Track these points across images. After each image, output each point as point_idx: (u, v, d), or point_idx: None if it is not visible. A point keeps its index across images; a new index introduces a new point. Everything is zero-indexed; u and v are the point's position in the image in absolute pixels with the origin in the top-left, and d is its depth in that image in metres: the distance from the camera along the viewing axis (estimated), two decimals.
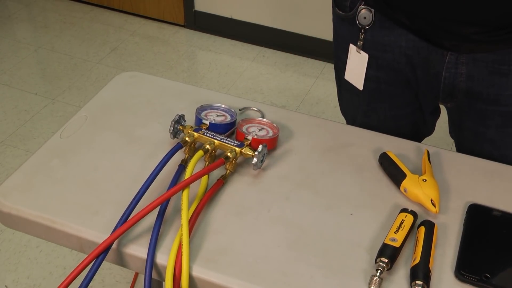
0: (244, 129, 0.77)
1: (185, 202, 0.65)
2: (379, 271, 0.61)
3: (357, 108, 0.93)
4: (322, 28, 2.34)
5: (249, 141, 0.75)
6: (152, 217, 0.66)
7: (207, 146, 0.73)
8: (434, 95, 0.85)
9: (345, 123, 0.98)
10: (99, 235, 0.65)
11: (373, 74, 0.82)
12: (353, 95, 0.93)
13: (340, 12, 0.85)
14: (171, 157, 0.72)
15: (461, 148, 0.91)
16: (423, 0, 0.73)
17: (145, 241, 0.64)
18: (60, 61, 2.38)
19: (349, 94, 0.94)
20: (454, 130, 0.92)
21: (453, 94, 0.83)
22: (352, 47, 0.84)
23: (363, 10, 0.80)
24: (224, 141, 0.74)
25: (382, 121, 0.92)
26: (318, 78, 2.31)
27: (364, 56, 0.79)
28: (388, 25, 0.80)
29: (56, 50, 2.44)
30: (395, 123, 0.92)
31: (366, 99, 0.91)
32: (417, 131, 0.95)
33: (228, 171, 0.73)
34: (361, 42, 0.81)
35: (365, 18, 0.80)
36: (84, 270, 0.61)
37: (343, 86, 0.95)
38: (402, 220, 0.66)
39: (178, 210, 0.68)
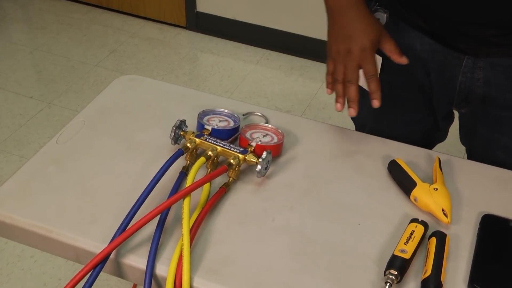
0: (247, 135, 0.78)
1: (186, 210, 0.65)
2: (388, 283, 0.60)
3: (368, 113, 0.94)
4: None
5: (253, 148, 0.75)
6: (152, 226, 0.66)
7: (209, 153, 0.73)
8: (448, 100, 0.85)
9: (354, 128, 0.98)
10: (97, 245, 0.65)
11: (385, 78, 0.82)
12: (367, 100, 0.93)
13: None
14: (171, 164, 0.72)
15: (472, 155, 0.91)
16: (440, 2, 0.73)
17: (145, 251, 0.64)
18: (56, 63, 2.39)
19: (361, 98, 0.94)
20: (466, 136, 0.92)
21: (469, 99, 0.83)
22: None
23: (377, 12, 0.80)
24: (227, 147, 0.74)
25: (393, 126, 0.92)
26: (324, 82, 2.31)
27: (377, 59, 0.79)
28: (403, 27, 0.81)
29: (52, 52, 2.45)
30: (407, 129, 0.92)
31: (386, 104, 0.90)
32: (429, 137, 0.95)
33: (231, 178, 0.73)
34: None
35: (378, 19, 0.80)
36: (80, 282, 0.61)
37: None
38: (412, 230, 0.66)
39: (178, 219, 0.68)
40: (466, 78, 0.81)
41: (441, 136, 0.97)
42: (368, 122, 0.94)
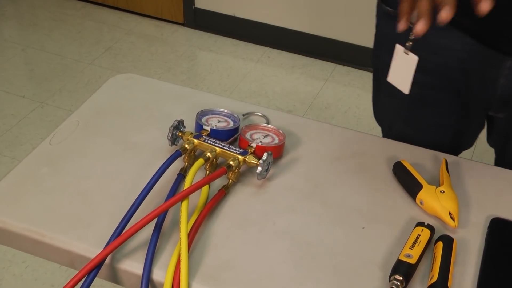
0: (247, 135, 0.78)
1: (184, 214, 0.65)
2: None
3: (397, 114, 0.92)
4: (332, 27, 2.34)
5: (253, 149, 0.75)
6: (148, 230, 0.66)
7: (208, 154, 0.73)
8: (486, 104, 0.84)
9: (354, 129, 0.98)
10: (91, 250, 0.65)
11: (419, 78, 0.78)
12: (393, 100, 0.91)
13: (388, 8, 0.83)
14: (169, 166, 0.72)
15: (502, 160, 0.89)
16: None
17: (141, 256, 0.64)
18: (49, 61, 2.39)
19: (389, 98, 0.92)
20: (499, 140, 0.90)
21: (509, 103, 0.82)
22: (399, 48, 0.80)
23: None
24: (226, 148, 0.75)
25: (422, 129, 0.90)
26: (327, 80, 2.32)
27: (413, 58, 0.76)
28: (443, 25, 0.78)
29: (45, 49, 2.45)
30: (436, 133, 0.90)
31: (408, 105, 0.89)
32: (458, 143, 0.93)
33: (230, 180, 0.73)
34: (411, 43, 0.77)
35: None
36: None
37: (382, 89, 0.93)
38: (418, 234, 0.66)
39: (176, 223, 0.68)
40: (508, 81, 0.79)
41: (469, 142, 0.95)
42: (396, 125, 0.93)
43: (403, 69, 0.82)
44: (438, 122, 0.90)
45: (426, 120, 0.90)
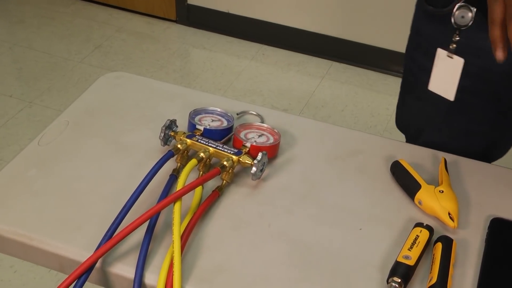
0: (242, 135, 0.78)
1: (177, 216, 0.65)
2: None
3: (429, 119, 0.89)
4: (328, 23, 2.35)
5: (247, 149, 0.75)
6: (140, 233, 0.66)
7: (201, 154, 0.73)
8: None
9: (354, 128, 0.98)
10: (81, 253, 0.65)
11: (459, 82, 0.75)
12: (426, 105, 0.88)
13: (431, 8, 0.81)
14: (161, 166, 0.72)
15: None
16: None
17: (133, 260, 0.64)
18: (38, 60, 2.38)
19: (421, 103, 0.90)
20: None
21: None
22: (441, 52, 0.77)
23: (462, 8, 0.72)
24: (220, 148, 0.75)
25: (455, 137, 0.88)
26: (323, 78, 2.32)
27: (458, 61, 0.73)
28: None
29: (33, 47, 2.45)
30: (468, 140, 0.88)
31: (444, 110, 0.87)
32: (491, 151, 0.91)
33: (224, 181, 0.73)
34: (454, 45, 0.74)
35: (463, 17, 0.72)
36: None
37: (412, 93, 0.91)
38: (417, 235, 0.66)
39: (169, 225, 0.68)
40: None
41: (502, 151, 0.93)
42: (426, 132, 0.91)
43: (447, 74, 0.77)
44: (472, 129, 0.87)
45: (461, 127, 0.87)
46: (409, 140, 0.96)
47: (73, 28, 2.57)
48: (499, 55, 0.67)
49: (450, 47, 0.74)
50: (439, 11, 0.80)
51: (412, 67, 0.90)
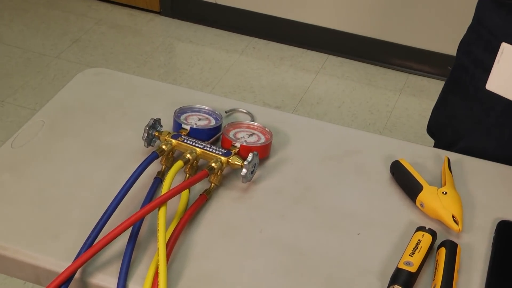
0: (231, 135, 0.78)
1: (162, 222, 0.65)
2: None
3: (476, 123, 0.86)
4: (322, 14, 2.35)
5: (237, 149, 0.75)
6: (122, 241, 0.66)
7: (188, 156, 0.73)
8: None
9: (352, 126, 0.98)
10: (59, 263, 0.65)
11: None
12: (476, 106, 0.83)
13: None
14: (145, 169, 0.72)
15: None
16: None
17: (115, 269, 0.64)
18: (10, 55, 2.37)
19: (469, 103, 0.86)
20: None
21: None
22: (506, 47, 0.74)
23: None
24: (208, 149, 0.75)
25: (505, 143, 0.85)
26: (318, 73, 2.33)
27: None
28: None
29: (5, 42, 2.44)
30: None
31: (498, 113, 0.83)
32: None
33: (212, 184, 0.73)
34: None
35: None
36: None
37: (460, 92, 0.88)
38: (419, 240, 0.66)
39: (153, 232, 0.68)
40: None
41: None
42: (469, 136, 0.88)
43: (510, 72, 0.74)
44: None
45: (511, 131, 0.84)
46: (441, 146, 0.92)
47: (49, 20, 2.56)
48: None
49: None
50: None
51: (466, 62, 0.87)
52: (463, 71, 0.88)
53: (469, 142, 0.88)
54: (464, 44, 0.89)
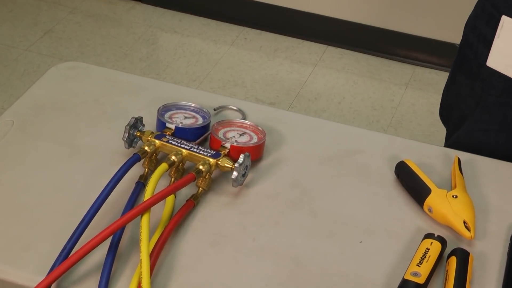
0: (220, 134, 0.78)
1: (145, 230, 0.66)
2: None
3: (479, 102, 0.86)
4: (322, 1, 2.35)
5: (227, 150, 0.75)
6: (102, 251, 0.66)
7: (173, 158, 0.74)
8: None
9: (353, 123, 0.99)
10: (31, 277, 0.65)
11: None
12: (477, 83, 0.85)
13: None
14: (125, 173, 0.72)
15: None
16: None
17: (94, 283, 0.64)
18: None
19: (472, 81, 0.87)
20: None
21: None
22: (506, 20, 0.74)
23: None
24: (195, 150, 0.75)
25: (508, 126, 0.85)
26: (317, 66, 2.33)
27: None
28: None
29: None
30: None
31: (499, 91, 0.84)
32: None
33: (200, 189, 0.73)
34: None
35: None
36: None
37: (464, 69, 0.89)
38: (427, 248, 0.67)
39: (136, 241, 0.68)
40: None
41: None
42: (472, 117, 0.88)
43: (510, 48, 0.74)
44: None
45: None
46: (451, 132, 0.93)
47: (17, 9, 2.55)
48: None
49: None
50: None
51: (470, 37, 0.88)
52: (468, 48, 0.90)
53: (471, 123, 0.88)
54: (470, 19, 0.90)
